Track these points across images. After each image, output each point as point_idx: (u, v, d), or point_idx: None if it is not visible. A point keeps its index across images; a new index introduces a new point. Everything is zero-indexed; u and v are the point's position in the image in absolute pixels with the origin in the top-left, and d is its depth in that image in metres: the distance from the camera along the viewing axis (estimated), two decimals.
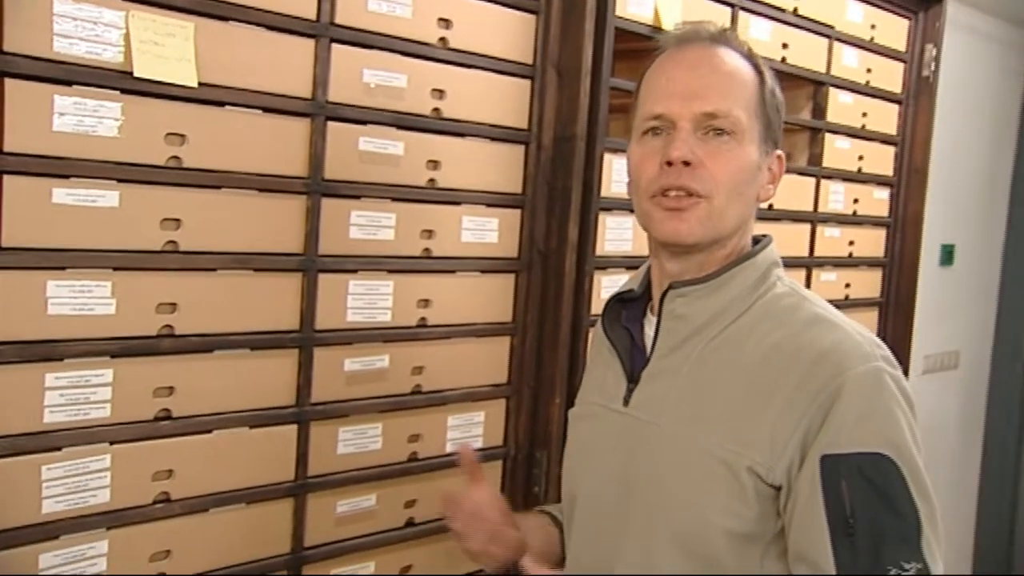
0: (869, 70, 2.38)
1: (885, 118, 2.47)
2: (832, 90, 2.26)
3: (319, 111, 1.39)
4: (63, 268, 1.16)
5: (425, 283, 1.56)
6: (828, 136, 2.28)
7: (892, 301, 2.58)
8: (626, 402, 1.05)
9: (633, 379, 1.05)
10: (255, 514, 1.39)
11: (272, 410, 1.40)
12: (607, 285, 1.77)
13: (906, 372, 2.37)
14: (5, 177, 1.11)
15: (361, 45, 1.44)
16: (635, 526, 1.00)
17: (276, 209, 1.37)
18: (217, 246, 1.31)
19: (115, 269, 1.21)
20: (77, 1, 1.13)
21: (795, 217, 2.22)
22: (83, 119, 1.15)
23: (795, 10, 2.10)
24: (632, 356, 1.07)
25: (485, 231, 1.63)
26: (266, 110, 1.34)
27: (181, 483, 1.30)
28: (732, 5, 1.96)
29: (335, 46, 1.40)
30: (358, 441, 1.50)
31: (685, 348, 1.02)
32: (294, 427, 1.42)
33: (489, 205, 1.63)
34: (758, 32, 2.01)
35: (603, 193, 1.73)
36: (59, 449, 1.17)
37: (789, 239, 2.21)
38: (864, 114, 2.39)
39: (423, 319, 1.56)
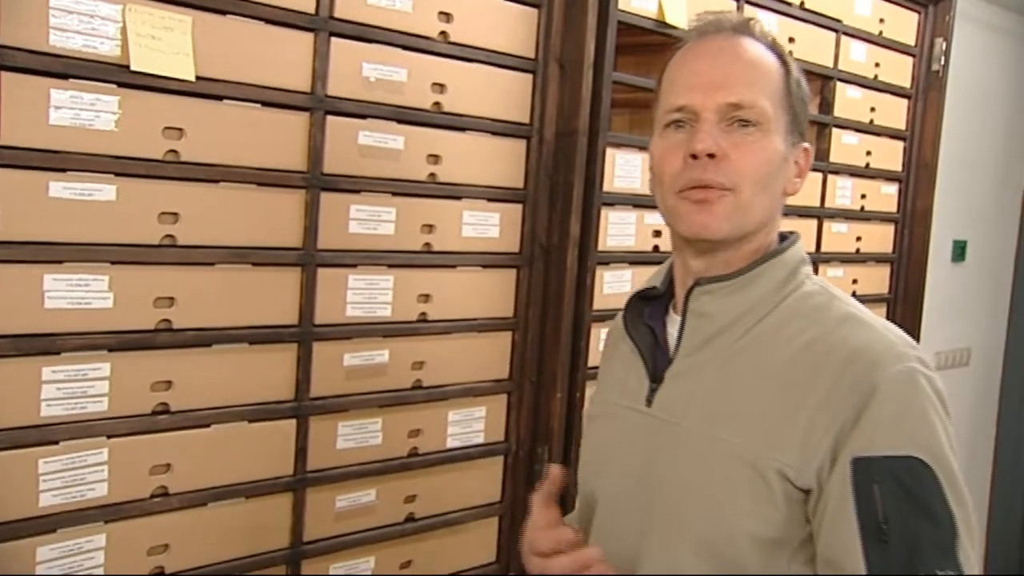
0: (877, 64, 2.35)
1: (894, 113, 2.45)
2: (840, 84, 2.24)
3: (318, 105, 1.39)
4: (60, 262, 1.16)
5: (425, 278, 1.55)
6: (835, 131, 2.26)
7: (900, 297, 2.56)
8: (649, 402, 1.02)
9: (656, 379, 1.02)
10: (254, 509, 1.39)
11: (271, 404, 1.40)
12: (609, 280, 1.76)
13: None
14: (1, 171, 1.11)
15: (361, 39, 1.43)
16: (659, 529, 0.97)
17: (275, 203, 1.37)
18: (215, 240, 1.31)
19: (112, 263, 1.21)
20: None
21: (802, 212, 2.20)
22: (80, 113, 1.15)
23: (802, 3, 2.08)
24: (655, 355, 1.04)
25: (486, 226, 1.62)
26: (265, 104, 1.34)
27: (179, 477, 1.30)
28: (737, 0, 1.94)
29: (334, 40, 1.40)
30: (358, 436, 1.50)
31: (711, 347, 0.98)
32: (293, 422, 1.42)
33: (490, 200, 1.62)
34: (764, 26, 1.99)
35: (605, 188, 1.72)
36: (56, 443, 1.18)
37: None
38: (872, 109, 2.36)
39: (423, 314, 1.56)
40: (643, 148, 1.81)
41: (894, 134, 2.46)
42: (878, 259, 2.48)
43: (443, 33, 1.52)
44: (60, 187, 1.15)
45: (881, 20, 2.35)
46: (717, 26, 1.02)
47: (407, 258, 1.52)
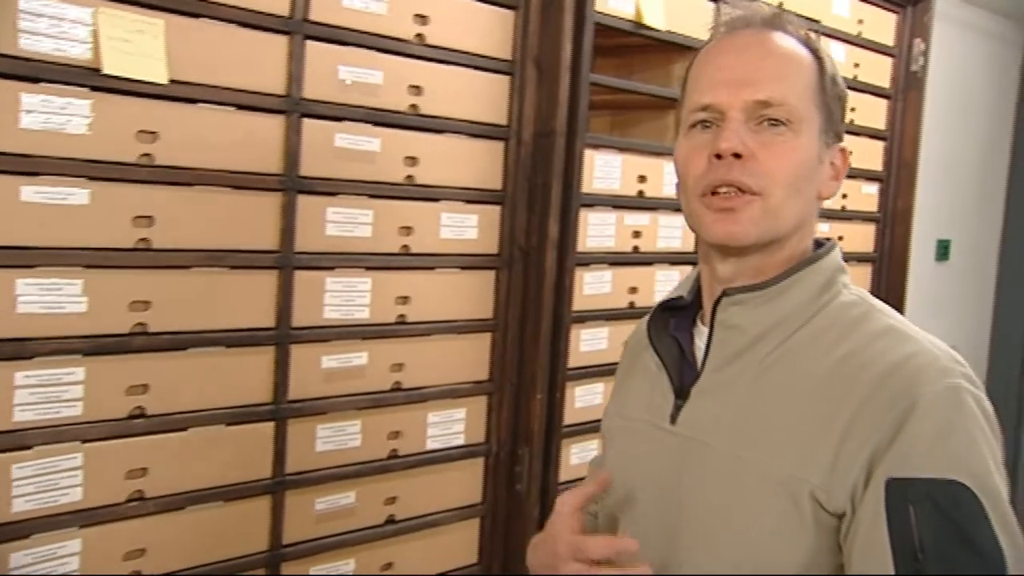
0: (857, 65, 2.37)
1: (874, 113, 2.46)
2: None
3: (294, 108, 1.39)
4: (32, 266, 1.16)
5: (404, 280, 1.56)
6: None
7: (882, 297, 2.56)
8: (674, 419, 0.95)
9: (681, 395, 0.96)
10: (232, 512, 1.39)
11: (249, 407, 1.40)
12: (589, 281, 1.77)
13: None
14: None
15: (336, 42, 1.43)
16: (685, 553, 0.92)
17: (251, 206, 1.37)
18: (191, 243, 1.31)
19: (86, 267, 1.21)
20: None
21: None
22: (51, 116, 1.15)
23: (780, 5, 2.09)
24: (681, 369, 0.98)
25: (464, 228, 1.62)
26: (240, 107, 1.34)
27: (156, 481, 1.30)
28: (715, 0, 1.95)
29: (309, 43, 1.40)
30: (337, 438, 1.50)
31: (740, 361, 0.92)
32: (271, 424, 1.42)
33: (468, 202, 1.63)
34: None
35: (584, 189, 1.72)
36: (29, 448, 1.17)
37: None
38: (852, 109, 2.37)
39: (402, 316, 1.56)
40: (622, 149, 1.82)
41: (874, 134, 2.48)
42: (860, 259, 2.49)
43: (419, 35, 1.53)
44: (32, 191, 1.15)
45: (860, 21, 2.36)
46: (746, 20, 0.95)
47: (385, 260, 1.53)
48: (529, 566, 1.01)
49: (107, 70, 1.17)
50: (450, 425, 1.65)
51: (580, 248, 1.73)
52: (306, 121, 1.41)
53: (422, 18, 1.52)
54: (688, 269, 1.97)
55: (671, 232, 1.93)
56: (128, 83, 1.21)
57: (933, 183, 3.43)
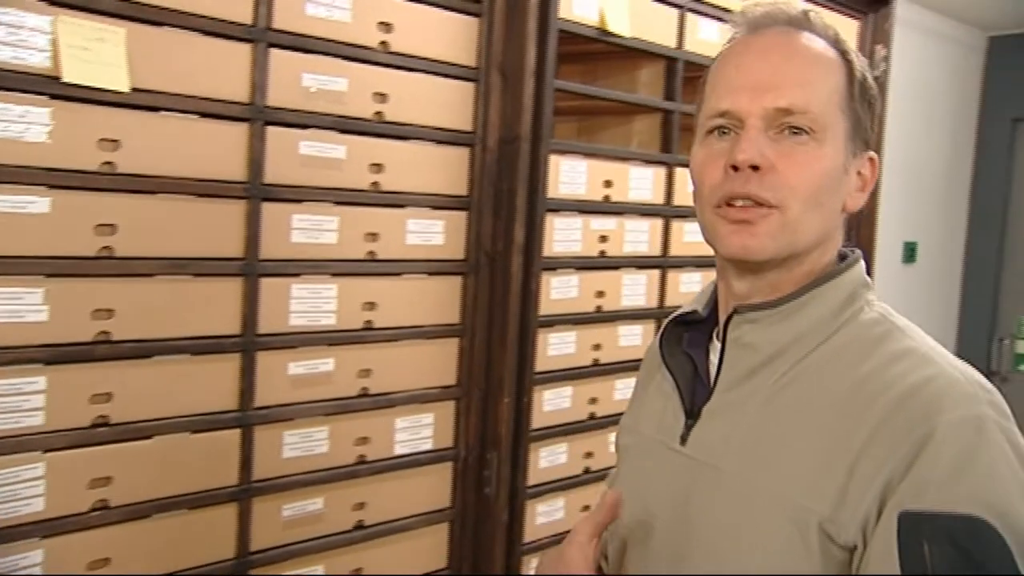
0: None
1: None
2: None
3: (258, 116, 1.40)
4: None
5: (370, 286, 1.56)
6: None
7: None
8: (683, 440, 0.92)
9: (692, 414, 0.92)
10: (199, 519, 1.39)
11: (215, 415, 1.39)
12: (556, 286, 1.78)
13: None
14: None
15: (300, 49, 1.44)
16: None
17: (215, 214, 1.37)
18: (155, 251, 1.31)
19: (47, 276, 1.20)
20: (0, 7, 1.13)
21: None
22: (9, 125, 1.15)
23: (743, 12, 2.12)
24: (694, 387, 0.94)
25: (430, 233, 1.63)
26: (203, 115, 1.34)
27: (120, 490, 1.29)
28: (680, 7, 1.97)
29: (273, 51, 1.41)
30: (304, 444, 1.50)
31: (753, 381, 0.88)
32: (237, 432, 1.42)
33: (434, 208, 1.64)
34: (706, 34, 2.03)
35: (550, 194, 1.74)
36: None
37: None
38: None
39: (369, 322, 1.57)
40: (588, 154, 1.84)
41: None
42: None
43: (383, 43, 1.53)
44: None
45: None
46: (771, 19, 0.90)
47: (351, 266, 1.53)
48: None
49: (67, 78, 1.17)
50: (418, 430, 1.66)
51: (546, 253, 1.75)
52: (270, 129, 1.41)
53: (386, 26, 1.53)
54: (655, 273, 2.00)
55: (638, 236, 1.95)
56: (89, 91, 1.21)
57: (899, 187, 3.49)
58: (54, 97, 1.19)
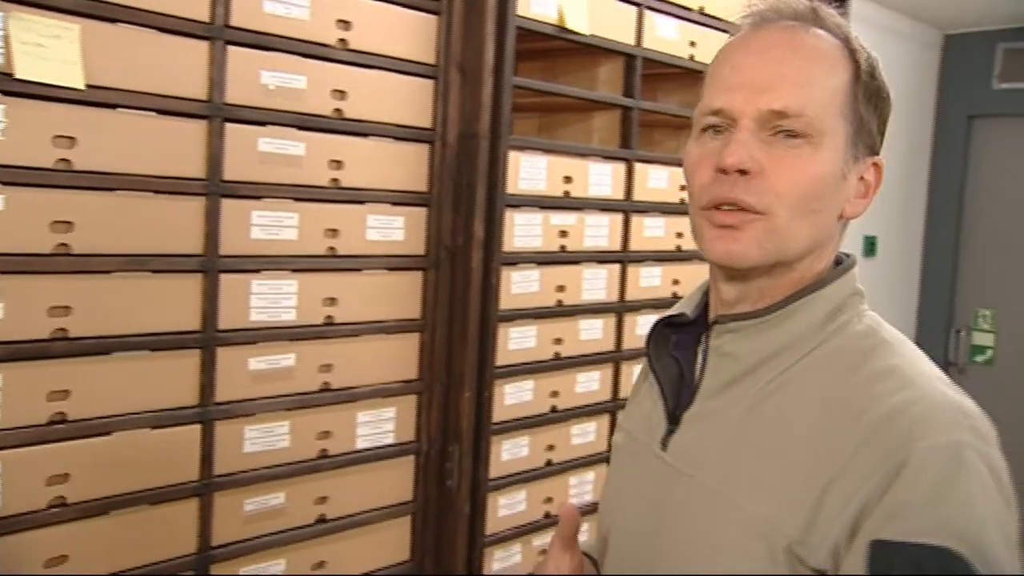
0: None
1: None
2: None
3: (216, 113, 1.40)
4: None
5: (330, 282, 1.57)
6: None
7: None
8: (664, 445, 0.90)
9: (674, 420, 0.90)
10: (159, 515, 1.39)
11: (175, 410, 1.40)
12: (517, 280, 1.80)
13: None
14: None
15: (258, 47, 1.44)
16: None
17: (174, 210, 1.38)
18: (112, 248, 1.31)
19: (2, 273, 1.20)
20: None
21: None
22: None
23: (701, 9, 2.15)
24: (678, 392, 0.91)
25: (391, 229, 1.65)
26: (160, 112, 1.35)
27: (78, 487, 1.30)
28: (638, 4, 2.00)
29: (231, 48, 1.41)
30: (265, 439, 1.51)
31: (735, 390, 0.86)
32: (198, 427, 1.43)
33: (394, 204, 1.65)
34: (665, 31, 2.06)
35: (509, 190, 1.76)
36: None
37: None
38: None
39: (330, 317, 1.58)
40: (548, 151, 1.86)
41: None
42: None
43: (342, 40, 1.55)
44: None
45: None
46: (776, 13, 0.86)
47: (311, 262, 1.54)
48: None
49: (20, 75, 1.17)
50: (380, 424, 1.67)
51: (507, 248, 1.77)
52: (229, 126, 1.42)
53: (345, 23, 1.54)
54: (615, 267, 2.03)
55: (598, 231, 1.98)
56: (44, 88, 1.21)
57: None
58: (8, 94, 1.18)
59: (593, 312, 1.98)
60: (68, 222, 1.26)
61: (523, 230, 1.81)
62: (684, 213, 2.18)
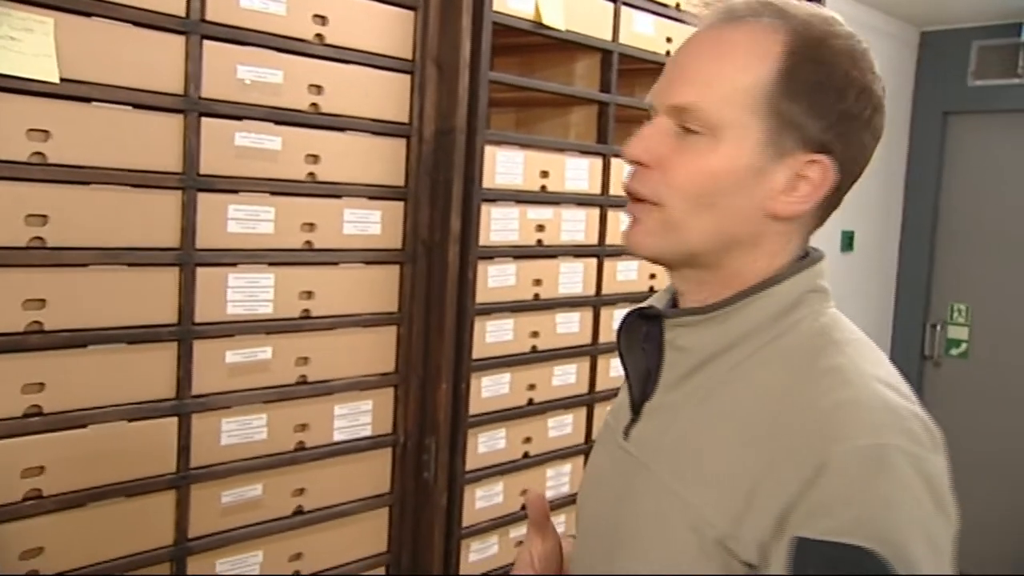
0: None
1: None
2: None
3: (192, 107, 1.41)
4: None
5: (307, 275, 1.58)
6: None
7: None
8: (626, 435, 0.92)
9: (637, 410, 0.92)
10: (135, 507, 1.40)
11: (151, 403, 1.41)
12: (493, 274, 1.82)
13: None
14: None
15: (234, 42, 1.45)
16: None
17: (150, 204, 1.38)
18: (87, 241, 1.32)
19: None
20: None
21: None
22: None
23: (677, 5, 2.17)
24: (645, 383, 0.92)
25: (367, 223, 1.66)
26: (136, 106, 1.35)
27: (54, 479, 1.30)
28: (615, 0, 2.02)
29: (207, 42, 1.42)
30: (242, 432, 1.52)
31: (690, 383, 0.87)
32: (174, 420, 1.44)
33: (371, 198, 1.66)
34: (641, 27, 2.08)
35: (486, 184, 1.77)
36: None
37: None
38: None
39: (306, 311, 1.59)
40: (524, 146, 1.88)
41: None
42: None
43: (319, 35, 1.55)
44: None
45: None
46: (722, 12, 0.87)
47: (288, 256, 1.55)
48: None
49: None
50: (357, 417, 1.68)
51: (483, 242, 1.78)
52: (205, 120, 1.43)
53: (321, 18, 1.55)
54: (592, 261, 2.05)
55: (575, 226, 2.00)
56: (17, 81, 1.21)
57: None
58: None
59: (570, 306, 2.00)
60: (43, 215, 1.27)
61: (500, 224, 1.82)
62: None
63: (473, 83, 1.70)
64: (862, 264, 4.07)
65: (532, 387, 1.94)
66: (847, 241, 3.96)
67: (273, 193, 1.52)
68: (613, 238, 2.08)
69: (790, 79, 0.82)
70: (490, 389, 1.85)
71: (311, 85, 1.55)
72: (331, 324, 1.62)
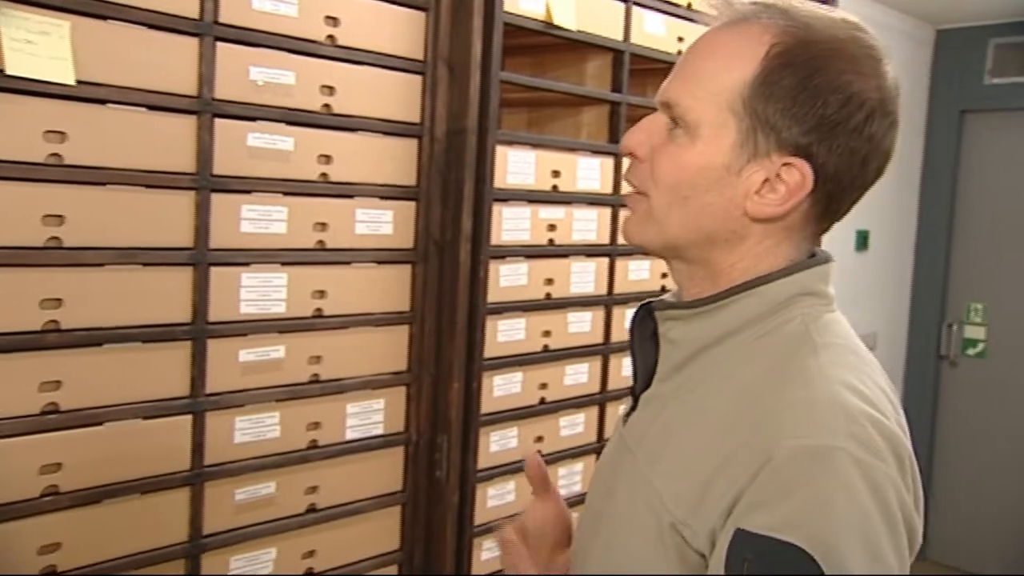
0: None
1: None
2: None
3: (205, 108, 1.42)
4: None
5: (320, 275, 1.60)
6: None
7: None
8: (625, 422, 0.96)
9: (636, 399, 0.95)
10: (151, 504, 1.42)
11: (166, 401, 1.42)
12: (505, 273, 1.83)
13: None
14: None
15: (247, 43, 1.46)
16: (592, 562, 0.92)
17: (164, 204, 1.40)
18: (103, 241, 1.34)
19: None
20: None
21: None
22: None
23: (688, 5, 2.17)
24: (648, 374, 0.94)
25: (380, 223, 1.67)
26: (150, 108, 1.37)
27: (71, 476, 1.32)
28: (626, 0, 2.02)
29: (220, 44, 1.43)
30: (255, 430, 1.54)
31: (682, 374, 0.89)
32: (189, 417, 1.45)
33: (383, 198, 1.67)
34: (652, 27, 2.08)
35: (497, 184, 1.78)
36: None
37: None
38: None
39: (319, 310, 1.60)
40: (536, 145, 1.88)
41: None
42: None
43: (330, 36, 1.57)
44: None
45: None
46: (729, 13, 0.88)
47: (300, 256, 1.56)
48: None
49: (10, 71, 1.19)
50: (369, 415, 1.70)
51: (495, 241, 1.79)
52: (218, 121, 1.44)
53: (333, 20, 1.57)
54: (604, 261, 2.05)
55: (586, 225, 2.00)
56: (34, 84, 1.23)
57: None
58: None
59: (582, 305, 2.01)
60: (59, 216, 1.28)
61: (512, 224, 1.83)
62: None
63: (484, 83, 1.71)
64: (877, 264, 4.05)
65: (544, 386, 1.95)
66: (862, 240, 3.94)
67: (286, 193, 1.54)
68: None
69: (768, 81, 0.82)
70: (502, 388, 1.86)
71: (323, 86, 1.56)
72: (343, 323, 1.64)
